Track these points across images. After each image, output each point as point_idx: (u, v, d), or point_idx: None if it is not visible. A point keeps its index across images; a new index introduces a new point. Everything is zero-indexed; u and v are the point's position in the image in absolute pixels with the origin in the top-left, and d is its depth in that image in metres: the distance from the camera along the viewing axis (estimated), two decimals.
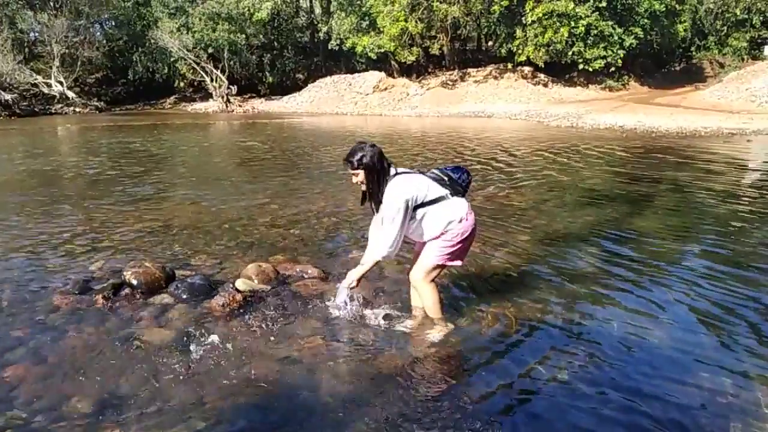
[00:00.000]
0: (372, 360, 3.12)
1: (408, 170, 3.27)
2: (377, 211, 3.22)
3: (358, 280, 3.32)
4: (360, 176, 3.11)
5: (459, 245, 3.24)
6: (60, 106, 30.51)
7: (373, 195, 3.15)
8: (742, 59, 28.39)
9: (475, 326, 3.51)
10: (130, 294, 4.00)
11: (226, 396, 2.77)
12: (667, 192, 7.89)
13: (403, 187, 3.09)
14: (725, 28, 29.62)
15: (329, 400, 2.75)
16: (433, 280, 3.36)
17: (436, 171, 3.33)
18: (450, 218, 3.17)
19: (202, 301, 3.87)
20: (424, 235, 3.24)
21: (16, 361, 3.13)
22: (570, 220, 6.25)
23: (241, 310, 3.74)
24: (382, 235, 3.16)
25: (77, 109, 30.63)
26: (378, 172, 3.10)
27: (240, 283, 4.05)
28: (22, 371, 3.02)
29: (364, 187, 3.17)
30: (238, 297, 3.86)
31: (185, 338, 3.37)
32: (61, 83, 31.03)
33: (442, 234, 3.20)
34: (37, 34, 33.46)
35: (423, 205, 3.15)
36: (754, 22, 27.99)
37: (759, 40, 28.02)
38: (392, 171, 3.16)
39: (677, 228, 5.90)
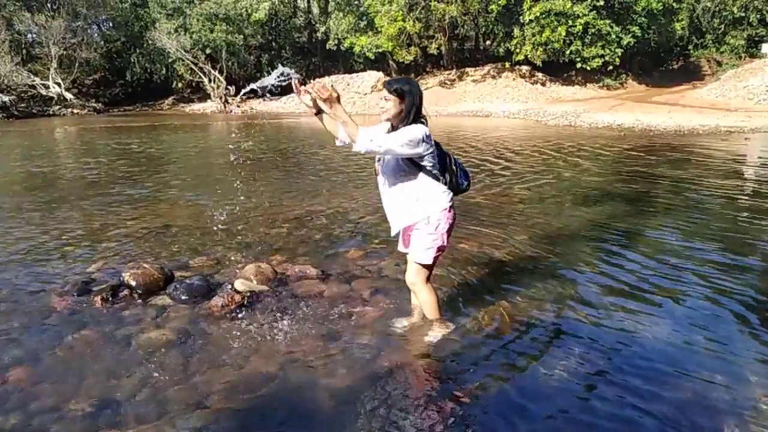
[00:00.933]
0: (371, 361, 3.09)
1: None
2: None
3: (324, 103, 2.81)
4: (390, 104, 2.93)
5: (441, 238, 3.13)
6: (58, 107, 30.52)
7: (396, 124, 2.96)
8: (740, 57, 28.45)
9: (475, 326, 3.48)
10: (128, 295, 3.98)
11: (224, 397, 2.76)
12: (666, 190, 7.87)
13: (427, 131, 2.96)
14: (722, 26, 29.69)
15: (328, 401, 2.74)
16: (428, 280, 3.29)
17: (453, 157, 3.21)
18: (436, 201, 3.08)
19: (201, 301, 3.85)
20: (407, 207, 3.11)
21: (14, 363, 3.11)
22: (569, 218, 6.23)
23: (240, 311, 3.72)
24: (384, 133, 2.96)
25: (75, 111, 30.63)
26: (412, 106, 2.93)
27: (239, 284, 4.02)
28: (20, 373, 3.01)
29: (385, 116, 2.98)
30: (237, 298, 3.84)
31: (184, 339, 3.35)
32: (58, 84, 31.03)
33: (425, 221, 3.09)
34: (34, 36, 33.44)
35: (423, 169, 3.04)
36: (751, 20, 28.04)
37: (756, 38, 28.03)
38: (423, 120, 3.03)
39: (676, 226, 5.90)
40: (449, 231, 3.18)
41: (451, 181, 3.16)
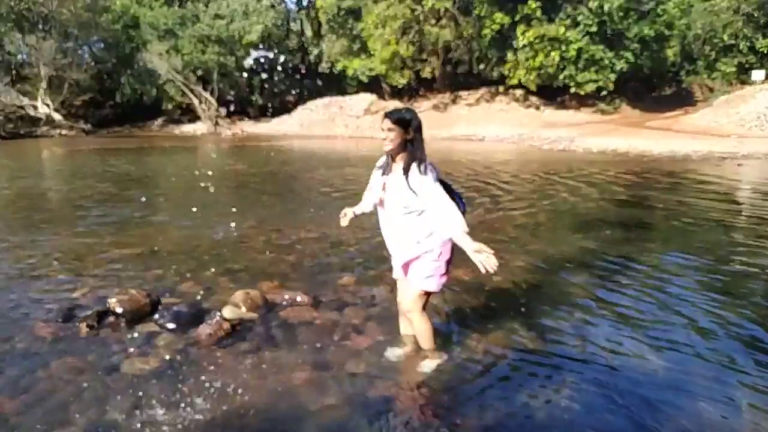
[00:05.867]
0: (363, 391, 3.05)
1: None
2: (406, 177, 2.96)
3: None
4: (393, 134, 2.94)
5: (444, 267, 3.13)
6: (46, 128, 30.27)
7: (414, 158, 2.96)
8: (731, 84, 28.91)
9: (469, 356, 3.44)
10: (114, 322, 3.94)
11: (211, 427, 2.72)
12: (660, 216, 7.97)
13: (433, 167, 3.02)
14: (713, 53, 30.20)
15: None
16: (424, 308, 3.26)
17: (447, 184, 3.18)
18: (441, 233, 3.03)
19: (189, 329, 3.79)
20: (412, 238, 3.06)
21: None
22: (564, 244, 6.21)
23: (228, 339, 3.66)
24: (444, 212, 2.88)
25: (63, 132, 30.41)
26: (419, 132, 2.99)
27: (227, 311, 3.99)
28: (3, 402, 2.95)
29: (388, 147, 2.98)
30: (225, 326, 3.77)
31: (171, 368, 3.30)
32: (47, 105, 30.88)
33: (426, 251, 3.05)
34: (24, 56, 33.46)
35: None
36: (741, 48, 28.58)
37: (746, 66, 28.55)
38: None
39: (669, 253, 5.88)
40: (450, 260, 3.16)
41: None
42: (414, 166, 2.94)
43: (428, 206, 2.94)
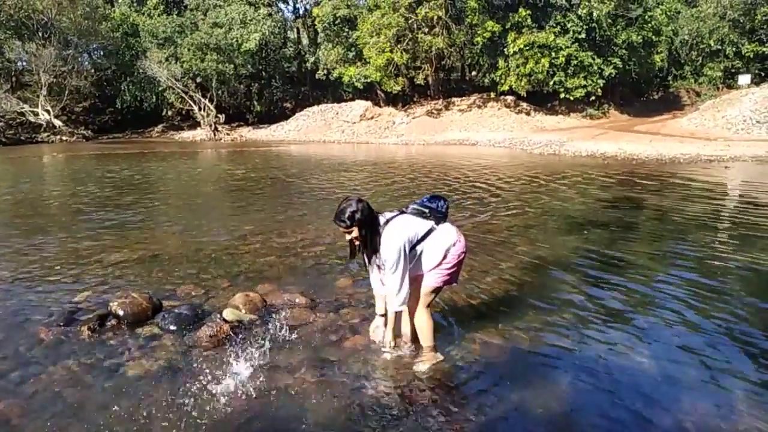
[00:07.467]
0: (361, 390, 3.10)
1: (392, 213, 3.32)
2: (370, 262, 3.27)
3: (393, 335, 3.40)
4: (354, 233, 3.11)
5: (455, 267, 3.34)
6: (46, 134, 30.48)
7: (369, 247, 3.18)
8: (717, 88, 29.27)
9: (465, 353, 3.53)
10: (116, 325, 3.97)
11: (213, 428, 2.76)
12: (649, 218, 7.97)
13: (397, 234, 3.15)
14: (700, 58, 30.64)
15: (317, 431, 2.75)
16: (429, 306, 3.39)
17: (415, 206, 3.38)
18: (446, 245, 3.27)
19: (190, 331, 3.85)
20: (425, 267, 3.31)
21: None
22: (554, 247, 6.28)
23: (229, 341, 3.72)
24: (389, 289, 3.20)
25: (64, 138, 30.60)
26: (371, 225, 3.14)
27: (227, 313, 4.04)
28: (4, 407, 2.99)
29: (359, 243, 3.18)
30: (226, 327, 3.84)
31: (172, 370, 3.35)
32: (48, 112, 31.03)
33: (443, 261, 3.29)
34: (24, 63, 33.53)
35: (418, 242, 3.23)
36: (727, 53, 28.92)
37: (732, 70, 28.89)
38: (382, 220, 3.22)
39: (659, 254, 5.97)
40: (465, 255, 3.40)
41: (436, 218, 3.34)
42: (380, 250, 3.15)
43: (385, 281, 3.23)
